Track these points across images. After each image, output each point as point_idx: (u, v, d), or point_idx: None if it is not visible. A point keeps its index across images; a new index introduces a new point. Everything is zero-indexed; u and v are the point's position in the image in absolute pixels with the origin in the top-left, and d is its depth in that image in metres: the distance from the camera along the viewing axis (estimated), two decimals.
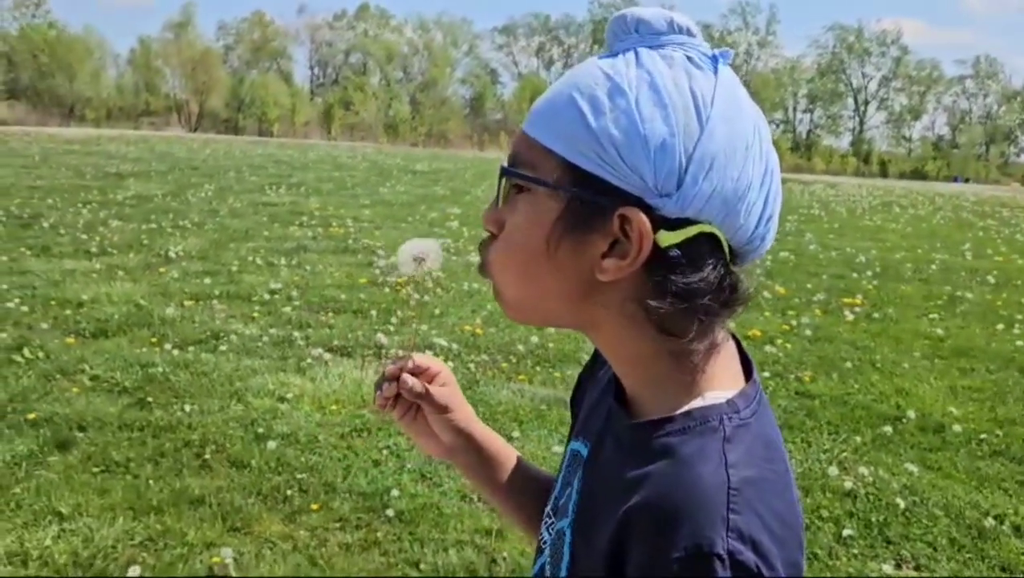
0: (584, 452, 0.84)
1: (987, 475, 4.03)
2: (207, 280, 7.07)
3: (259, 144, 27.66)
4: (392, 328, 5.86)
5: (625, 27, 0.72)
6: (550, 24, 77.41)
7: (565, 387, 4.90)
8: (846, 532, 3.31)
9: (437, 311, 6.43)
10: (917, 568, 3.13)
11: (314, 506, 3.34)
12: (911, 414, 4.74)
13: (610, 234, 0.69)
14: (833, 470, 3.87)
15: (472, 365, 5.17)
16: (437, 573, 2.98)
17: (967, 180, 76.43)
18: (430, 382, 0.97)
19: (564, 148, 0.70)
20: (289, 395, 4.47)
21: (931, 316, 7.53)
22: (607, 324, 0.75)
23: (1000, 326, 7.27)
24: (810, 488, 3.68)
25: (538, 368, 5.24)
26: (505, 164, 0.75)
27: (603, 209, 0.69)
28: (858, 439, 4.35)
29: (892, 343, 6.49)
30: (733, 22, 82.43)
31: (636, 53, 0.71)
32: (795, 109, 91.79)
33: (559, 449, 3.94)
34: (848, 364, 5.71)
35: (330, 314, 6.24)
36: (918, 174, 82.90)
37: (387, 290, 7.05)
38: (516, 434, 4.12)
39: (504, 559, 3.04)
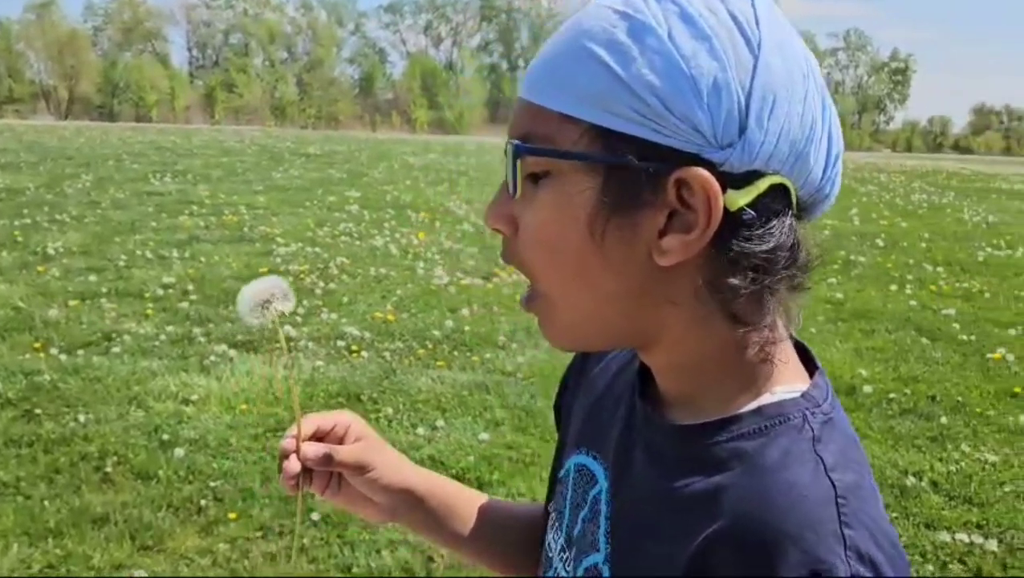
0: (597, 467, 0.72)
1: (900, 434, 4.16)
2: (92, 277, 6.60)
3: (138, 130, 26.23)
4: (300, 319, 5.60)
5: None
6: (437, 2, 76.60)
7: (484, 371, 4.79)
8: None
9: (345, 299, 6.19)
10: None
11: (232, 515, 3.12)
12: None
13: (666, 205, 0.57)
14: None
15: (387, 354, 4.99)
16: (372, 576, 2.83)
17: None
18: (340, 441, 0.84)
19: (589, 110, 0.57)
20: (194, 397, 4.19)
21: (829, 280, 7.78)
22: (674, 324, 0.61)
23: (893, 287, 7.59)
24: None
25: (456, 353, 5.11)
26: (508, 144, 0.61)
27: (653, 176, 0.56)
28: None
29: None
30: None
31: None
32: None
33: (486, 436, 3.84)
34: None
35: (231, 308, 5.91)
36: None
37: (290, 279, 6.75)
38: (440, 423, 3.98)
39: (441, 556, 2.91)
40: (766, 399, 0.61)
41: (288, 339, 5.11)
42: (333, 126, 51.57)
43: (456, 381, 4.60)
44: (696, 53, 0.55)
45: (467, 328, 5.54)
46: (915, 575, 2.93)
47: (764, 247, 0.57)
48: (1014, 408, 4.60)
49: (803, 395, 0.61)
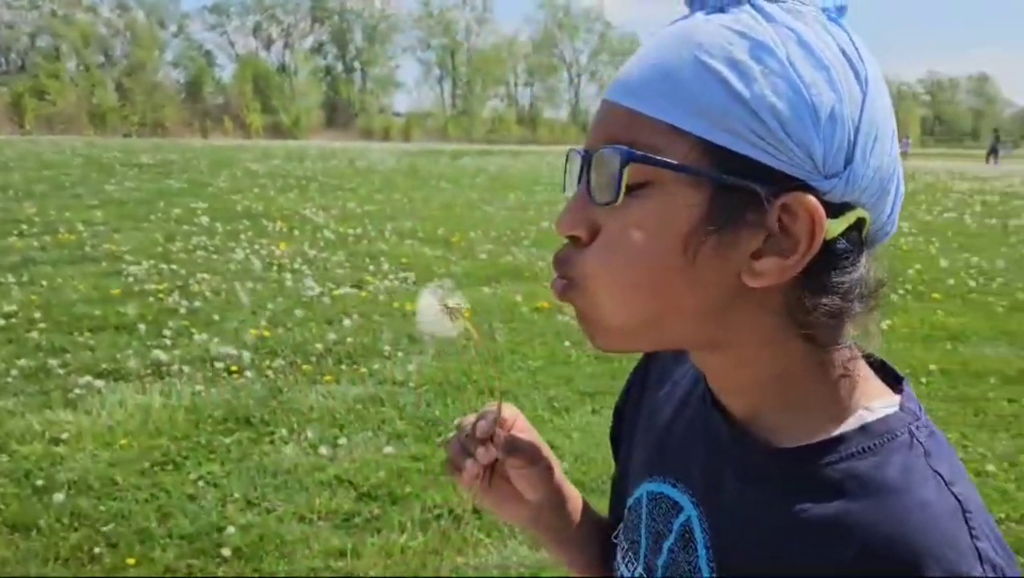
0: (679, 495, 0.70)
1: None
2: None
3: None
4: (168, 341, 5.26)
5: None
6: (265, 3, 74.02)
7: (375, 382, 4.70)
8: None
9: (215, 317, 5.88)
10: None
11: (131, 561, 2.89)
12: None
13: (765, 227, 0.56)
14: None
15: (270, 372, 4.78)
16: None
17: None
18: (508, 430, 0.80)
19: (703, 125, 0.55)
20: (64, 435, 3.84)
21: None
22: (743, 340, 0.62)
23: None
24: None
25: (343, 366, 4.97)
26: (605, 149, 0.58)
27: (761, 198, 0.56)
28: None
29: None
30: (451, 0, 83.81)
31: (755, 6, 0.58)
32: (516, 84, 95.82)
33: (391, 449, 3.76)
34: None
35: (87, 334, 5.47)
36: None
37: (150, 300, 6.33)
38: (342, 441, 3.86)
39: None
40: (865, 416, 0.62)
41: (161, 365, 4.80)
42: (160, 133, 48.74)
43: (348, 395, 4.48)
44: (816, 82, 0.55)
45: (349, 339, 5.41)
46: None
47: (851, 277, 0.59)
48: None
49: (902, 409, 0.62)
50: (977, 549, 0.54)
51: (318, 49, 76.30)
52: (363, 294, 6.70)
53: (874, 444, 0.60)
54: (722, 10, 0.59)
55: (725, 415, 0.68)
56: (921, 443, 0.60)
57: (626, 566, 0.76)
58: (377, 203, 12.99)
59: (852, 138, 0.57)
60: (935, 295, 7.43)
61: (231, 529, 3.07)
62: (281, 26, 75.81)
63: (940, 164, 34.65)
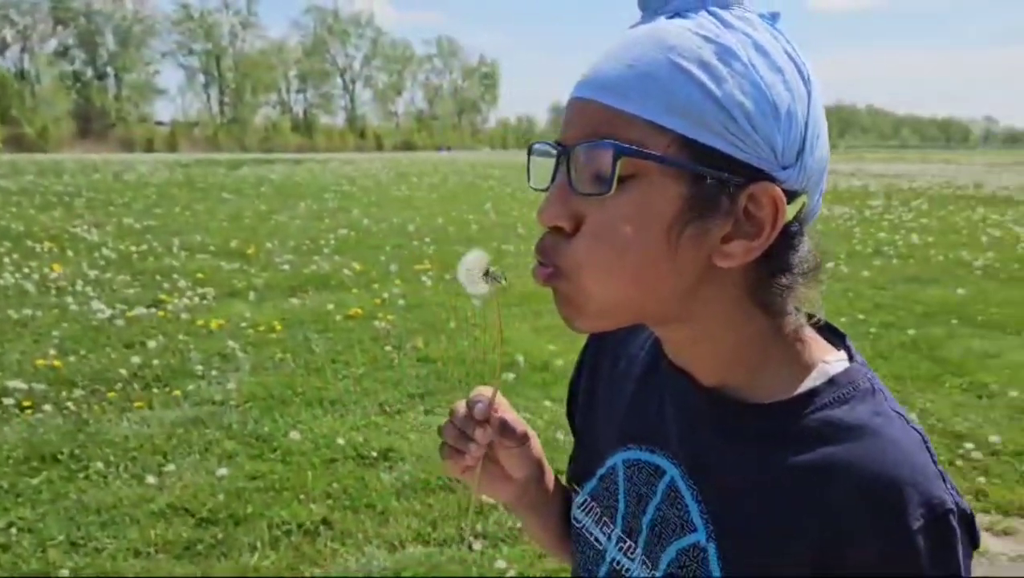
0: (659, 459, 0.76)
1: None
2: None
3: None
4: None
5: None
6: None
7: (192, 404, 4.45)
8: None
9: None
10: None
11: None
12: (520, 359, 5.29)
13: (734, 214, 0.63)
14: None
15: (71, 404, 4.38)
16: None
17: (449, 148, 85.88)
18: (497, 412, 0.82)
19: (681, 121, 0.61)
20: None
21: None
22: (709, 314, 0.69)
23: None
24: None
25: (153, 390, 4.66)
26: (593, 144, 0.62)
27: (732, 188, 0.62)
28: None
29: (467, 300, 7.07)
30: (212, 2, 79.82)
31: (712, 13, 0.64)
32: (288, 90, 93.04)
33: (224, 471, 3.60)
34: (452, 324, 6.13)
35: None
36: (408, 145, 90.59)
37: None
38: (169, 468, 3.63)
39: None
40: (827, 369, 0.70)
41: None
42: None
43: (165, 420, 4.21)
44: (774, 83, 0.62)
45: (155, 362, 5.07)
46: None
47: (800, 254, 0.68)
48: None
49: (854, 360, 0.71)
50: (940, 473, 0.64)
51: (63, 53, 69.75)
52: (161, 314, 6.29)
53: (843, 393, 0.67)
54: (678, 14, 0.65)
55: (693, 382, 0.73)
56: (880, 389, 0.69)
57: (600, 529, 0.82)
58: (157, 217, 12.18)
59: (803, 132, 0.64)
60: None
61: (64, 572, 2.81)
62: (16, 28, 68.51)
63: None
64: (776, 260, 0.66)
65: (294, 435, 3.97)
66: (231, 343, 5.50)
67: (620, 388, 0.85)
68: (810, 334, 0.73)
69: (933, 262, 9.47)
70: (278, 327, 5.99)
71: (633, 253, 0.63)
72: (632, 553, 0.76)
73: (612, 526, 0.80)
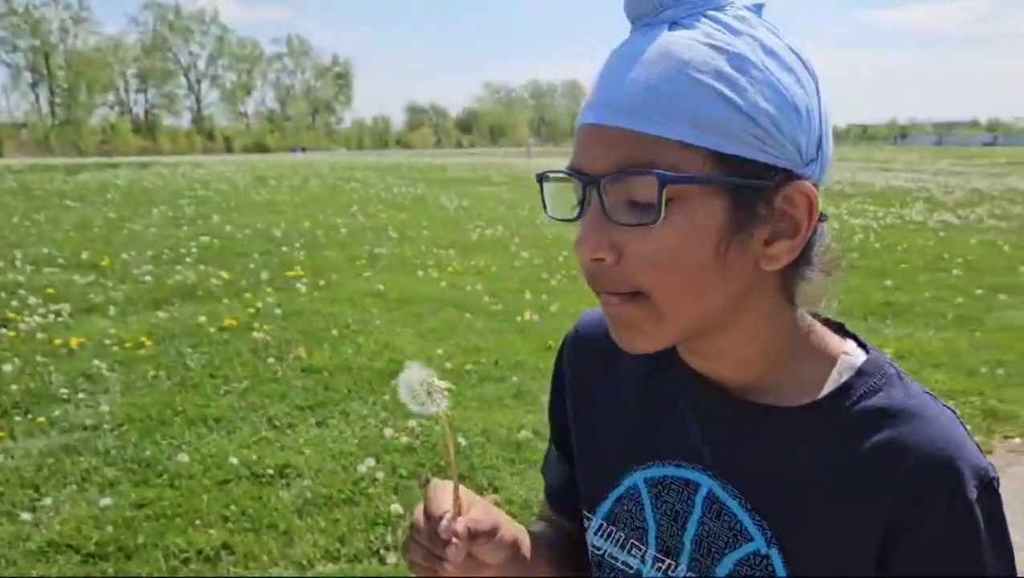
0: (690, 472, 0.76)
1: (490, 398, 4.73)
2: None
3: None
4: None
5: None
6: None
7: (60, 431, 4.14)
8: (434, 481, 3.58)
9: None
10: (496, 490, 3.57)
11: None
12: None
13: (772, 217, 0.64)
14: (389, 431, 4.11)
15: None
16: None
17: (303, 149, 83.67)
18: (461, 513, 0.76)
19: (710, 137, 0.61)
20: None
21: (365, 274, 8.28)
22: (752, 318, 0.70)
23: (420, 273, 8.38)
24: (378, 454, 3.85)
25: (15, 417, 4.29)
26: (631, 173, 0.62)
27: (768, 193, 0.64)
28: (387, 397, 4.66)
29: (350, 305, 6.98)
30: None
31: (711, 18, 0.64)
32: (127, 89, 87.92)
33: (108, 501, 3.37)
34: (333, 332, 5.99)
35: None
36: (260, 147, 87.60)
37: None
38: (44, 502, 3.36)
39: None
40: (851, 361, 0.72)
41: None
42: None
43: (31, 450, 3.89)
44: (790, 83, 0.63)
45: (13, 387, 4.67)
46: None
47: (823, 244, 0.70)
48: (550, 358, 5.50)
49: (871, 350, 0.74)
50: (975, 443, 0.68)
51: None
52: (12, 334, 5.80)
53: (875, 383, 0.70)
54: (676, 23, 0.64)
55: (720, 390, 0.74)
56: (903, 374, 0.72)
57: (628, 553, 0.80)
58: None
59: (820, 126, 0.66)
60: None
61: None
62: None
63: (551, 160, 38.66)
64: (805, 254, 0.68)
65: (182, 457, 3.77)
66: (96, 362, 5.15)
67: (622, 407, 0.83)
68: (819, 326, 0.74)
69: None
70: (147, 342, 5.66)
71: (689, 273, 0.64)
72: (673, 571, 0.76)
73: (644, 547, 0.78)
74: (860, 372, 0.71)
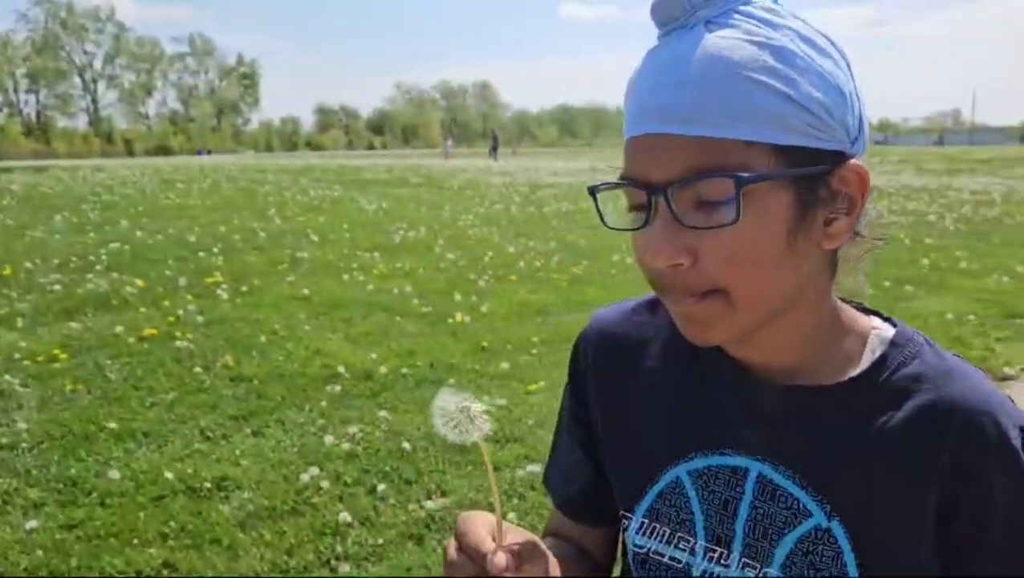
0: (736, 459, 0.77)
1: (429, 402, 4.66)
2: None
3: None
4: None
5: None
6: None
7: None
8: (381, 488, 3.52)
9: None
10: (444, 494, 3.53)
11: None
12: (342, 369, 5.14)
13: (831, 199, 0.67)
14: (329, 438, 4.01)
15: None
16: None
17: (209, 152, 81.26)
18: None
19: (772, 132, 0.64)
20: None
21: (288, 279, 8.08)
22: (810, 299, 0.72)
23: (346, 276, 8.24)
24: (320, 462, 3.75)
25: None
26: (707, 178, 0.64)
27: (826, 177, 0.67)
28: (323, 404, 4.55)
29: (275, 310, 6.80)
30: None
31: (744, 14, 0.66)
32: (17, 90, 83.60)
33: (34, 524, 3.18)
34: (261, 338, 5.82)
35: None
36: (163, 149, 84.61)
37: None
38: None
39: None
40: (880, 334, 0.76)
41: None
42: None
43: None
44: (831, 69, 0.66)
45: None
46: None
47: (870, 217, 0.73)
48: (487, 359, 5.52)
49: (899, 323, 0.78)
50: (1008, 397, 0.73)
51: None
52: None
53: (909, 351, 0.74)
54: (711, 22, 0.65)
55: (763, 376, 0.76)
56: (932, 342, 0.76)
57: (675, 547, 0.79)
58: None
59: (859, 105, 0.68)
60: (512, 277, 8.39)
61: None
62: None
63: (467, 162, 38.63)
64: (856, 231, 0.71)
65: (112, 474, 3.59)
66: (7, 378, 4.87)
67: (656, 402, 0.83)
68: (845, 305, 0.78)
69: None
70: (61, 356, 5.37)
71: (767, 266, 0.66)
72: (726, 560, 0.76)
73: (692, 539, 0.78)
74: (893, 344, 0.75)
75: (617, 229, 0.71)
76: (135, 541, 3.08)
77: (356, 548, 3.06)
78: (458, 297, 7.30)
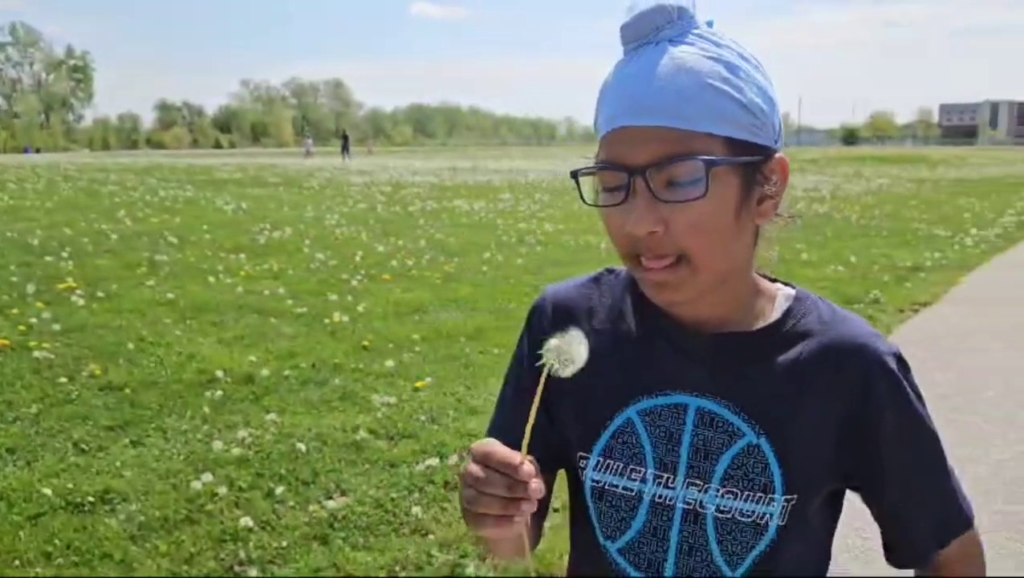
0: (679, 397, 0.90)
1: (316, 402, 4.61)
2: None
3: None
4: None
5: (668, 17, 0.82)
6: None
7: None
8: (278, 491, 3.45)
9: None
10: (344, 494, 3.50)
11: None
12: (220, 374, 4.98)
13: (763, 184, 0.84)
14: (218, 444, 3.89)
15: None
16: None
17: (38, 150, 75.51)
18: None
19: (728, 128, 0.80)
20: None
21: (148, 282, 7.70)
22: (744, 265, 0.89)
23: (211, 279, 7.94)
24: (211, 468, 3.64)
25: None
26: (681, 160, 0.79)
27: (762, 166, 0.84)
28: (206, 409, 4.40)
29: (139, 316, 6.48)
30: None
31: (697, 35, 0.82)
32: None
33: None
34: (129, 345, 5.54)
35: None
36: None
37: None
38: None
39: None
40: (786, 291, 0.95)
41: None
42: None
43: None
44: (762, 80, 0.84)
45: None
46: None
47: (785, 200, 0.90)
48: (371, 358, 5.49)
49: (795, 285, 0.97)
50: (882, 337, 0.92)
51: None
52: None
53: (807, 305, 0.93)
54: (671, 41, 0.81)
55: (700, 328, 0.90)
56: (822, 297, 0.95)
57: (627, 478, 0.91)
58: None
59: (779, 111, 0.86)
60: (385, 276, 8.35)
61: None
62: None
63: (323, 161, 37.82)
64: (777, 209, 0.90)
65: None
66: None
67: (605, 357, 0.93)
68: (756, 273, 0.95)
69: (568, 247, 10.65)
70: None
71: (721, 235, 0.82)
72: (672, 483, 0.90)
73: (643, 469, 0.91)
74: (796, 299, 0.94)
75: (596, 206, 0.86)
76: (16, 562, 2.89)
77: (259, 552, 3.00)
78: (333, 297, 7.19)
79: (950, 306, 7.48)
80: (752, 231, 0.87)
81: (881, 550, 0.98)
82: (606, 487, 0.92)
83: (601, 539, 0.94)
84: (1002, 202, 17.62)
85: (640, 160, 0.79)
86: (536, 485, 0.75)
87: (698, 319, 0.90)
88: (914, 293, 7.85)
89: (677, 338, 0.91)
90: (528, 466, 0.75)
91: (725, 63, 0.80)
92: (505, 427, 1.02)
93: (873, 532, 0.99)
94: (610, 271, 1.02)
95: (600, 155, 0.85)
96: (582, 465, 0.94)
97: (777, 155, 0.85)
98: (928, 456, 0.92)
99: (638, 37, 0.82)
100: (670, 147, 0.79)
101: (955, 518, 0.95)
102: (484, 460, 0.76)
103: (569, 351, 0.78)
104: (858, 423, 0.88)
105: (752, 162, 0.82)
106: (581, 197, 0.87)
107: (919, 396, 0.91)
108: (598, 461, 0.93)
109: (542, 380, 0.78)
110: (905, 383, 0.89)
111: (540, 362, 0.78)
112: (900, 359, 0.90)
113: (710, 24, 0.84)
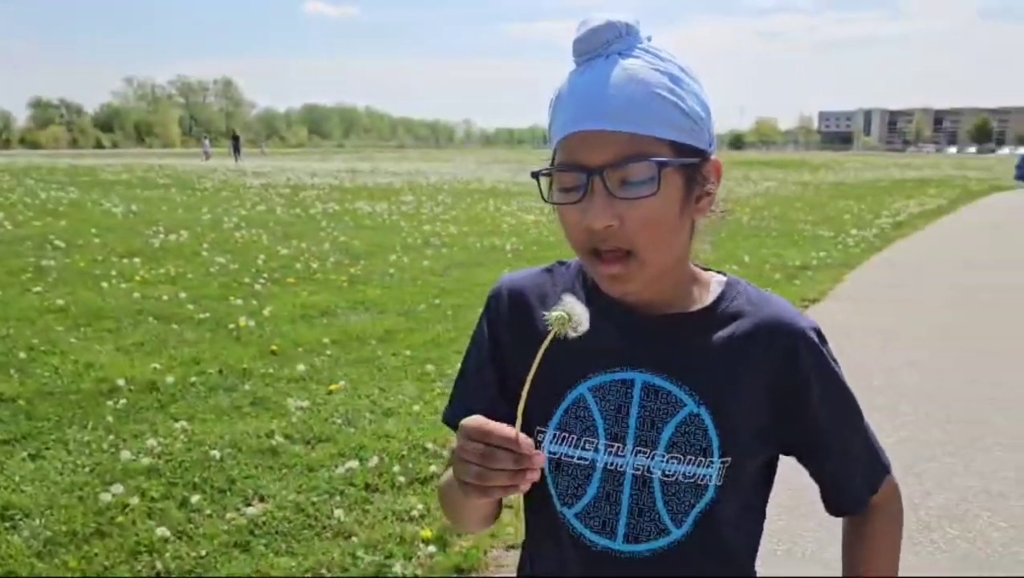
0: (626, 374, 0.99)
1: (226, 409, 4.50)
2: None
3: None
4: None
5: (618, 32, 0.90)
6: None
7: None
8: (193, 499, 3.36)
9: None
10: (263, 500, 3.45)
11: None
12: (121, 382, 4.79)
13: (701, 183, 0.93)
14: (126, 454, 3.76)
15: None
16: None
17: None
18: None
19: (673, 132, 0.88)
20: None
21: (35, 289, 7.32)
22: (682, 256, 0.98)
23: (105, 284, 7.61)
24: (120, 480, 3.51)
25: None
26: (635, 161, 0.86)
27: (700, 167, 0.92)
28: (109, 419, 4.24)
29: (27, 324, 6.17)
30: None
31: (643, 49, 0.90)
32: None
33: None
34: (21, 355, 5.26)
35: None
36: None
37: None
38: None
39: None
40: (719, 278, 1.04)
41: None
42: None
43: None
44: (699, 90, 0.93)
45: None
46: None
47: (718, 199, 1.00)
48: (280, 362, 5.40)
49: (726, 273, 1.06)
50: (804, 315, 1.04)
51: None
52: None
53: (738, 289, 1.03)
54: (621, 54, 0.89)
55: (644, 312, 0.99)
56: (750, 283, 1.06)
57: (581, 449, 0.99)
58: None
59: (713, 118, 0.96)
60: (290, 279, 8.20)
61: None
62: None
63: (217, 162, 36.62)
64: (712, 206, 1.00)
65: None
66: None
67: (560, 341, 0.95)
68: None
69: (473, 249, 10.71)
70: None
71: (667, 229, 0.91)
72: (622, 451, 0.98)
73: (596, 440, 0.99)
74: (728, 284, 1.04)
75: (557, 204, 0.92)
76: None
77: (177, 562, 2.93)
78: (237, 301, 7.02)
79: (835, 303, 7.93)
80: (690, 226, 0.95)
81: (811, 504, 1.10)
82: (562, 458, 1.00)
83: (558, 506, 1.02)
84: (877, 204, 18.76)
85: (597, 161, 0.87)
86: (540, 457, 0.82)
87: (643, 304, 0.99)
88: (803, 290, 8.29)
89: (624, 321, 0.99)
90: (526, 439, 0.81)
91: (669, 75, 0.89)
92: (469, 404, 1.06)
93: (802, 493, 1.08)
94: (561, 263, 1.09)
95: (558, 157, 0.91)
96: (540, 438, 1.01)
97: (713, 157, 0.94)
98: (851, 413, 1.04)
99: (590, 50, 0.90)
100: (625, 149, 0.86)
101: (879, 465, 1.07)
102: (484, 438, 0.81)
103: (575, 316, 0.85)
104: (788, 389, 0.98)
105: (694, 163, 0.91)
106: (543, 197, 0.94)
107: (836, 362, 1.03)
108: (554, 434, 1.01)
109: (541, 350, 0.85)
110: (825, 352, 1.01)
111: (550, 328, 0.85)
112: (819, 332, 1.01)
113: (649, 39, 0.92)
